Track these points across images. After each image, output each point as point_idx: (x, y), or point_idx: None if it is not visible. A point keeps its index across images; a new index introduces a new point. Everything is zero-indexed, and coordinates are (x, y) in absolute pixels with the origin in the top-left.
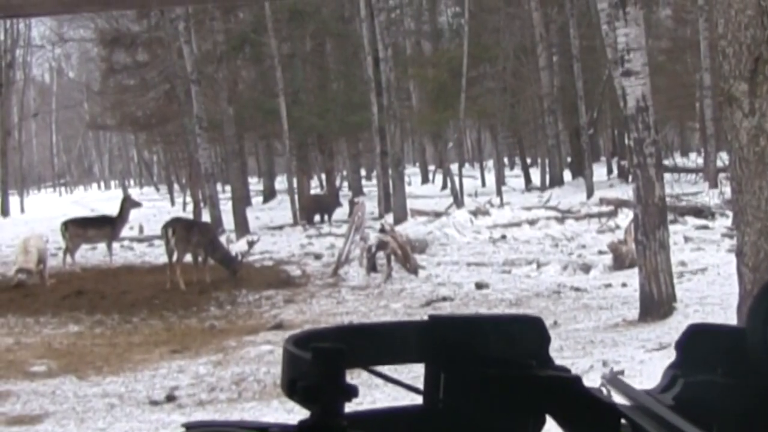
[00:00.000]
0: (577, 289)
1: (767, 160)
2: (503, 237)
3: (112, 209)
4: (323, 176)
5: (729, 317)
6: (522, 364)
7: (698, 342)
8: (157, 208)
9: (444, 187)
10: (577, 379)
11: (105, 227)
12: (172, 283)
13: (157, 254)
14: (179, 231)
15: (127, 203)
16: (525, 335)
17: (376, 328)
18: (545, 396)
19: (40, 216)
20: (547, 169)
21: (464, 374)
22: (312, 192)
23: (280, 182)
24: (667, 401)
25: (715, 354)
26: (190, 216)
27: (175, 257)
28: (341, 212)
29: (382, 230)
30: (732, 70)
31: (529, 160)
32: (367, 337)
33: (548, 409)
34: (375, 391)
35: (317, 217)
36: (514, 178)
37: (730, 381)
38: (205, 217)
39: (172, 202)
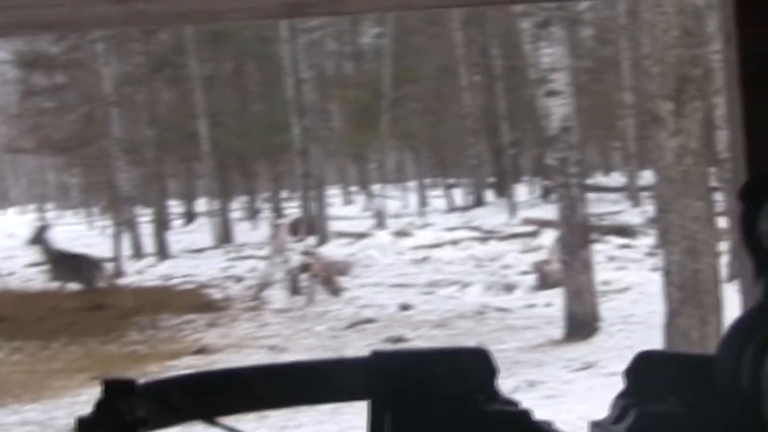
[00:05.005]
0: (501, 310)
1: (692, 180)
2: (426, 258)
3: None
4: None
5: (653, 336)
6: (469, 398)
7: (648, 369)
8: (76, 231)
9: (366, 208)
10: (526, 413)
11: None
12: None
13: None
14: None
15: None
16: (471, 368)
17: (315, 366)
18: (494, 431)
19: None
20: (470, 190)
21: (410, 411)
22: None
23: (202, 204)
24: None
25: (666, 382)
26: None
27: None
28: (262, 234)
29: (305, 252)
30: (657, 89)
31: (451, 181)
32: (306, 376)
33: None
34: None
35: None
36: (437, 198)
37: (686, 411)
38: (125, 240)
39: (91, 226)
